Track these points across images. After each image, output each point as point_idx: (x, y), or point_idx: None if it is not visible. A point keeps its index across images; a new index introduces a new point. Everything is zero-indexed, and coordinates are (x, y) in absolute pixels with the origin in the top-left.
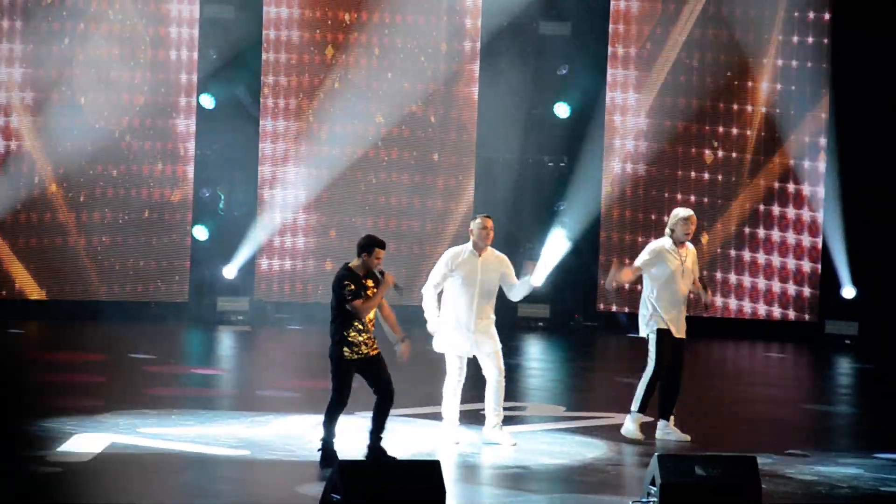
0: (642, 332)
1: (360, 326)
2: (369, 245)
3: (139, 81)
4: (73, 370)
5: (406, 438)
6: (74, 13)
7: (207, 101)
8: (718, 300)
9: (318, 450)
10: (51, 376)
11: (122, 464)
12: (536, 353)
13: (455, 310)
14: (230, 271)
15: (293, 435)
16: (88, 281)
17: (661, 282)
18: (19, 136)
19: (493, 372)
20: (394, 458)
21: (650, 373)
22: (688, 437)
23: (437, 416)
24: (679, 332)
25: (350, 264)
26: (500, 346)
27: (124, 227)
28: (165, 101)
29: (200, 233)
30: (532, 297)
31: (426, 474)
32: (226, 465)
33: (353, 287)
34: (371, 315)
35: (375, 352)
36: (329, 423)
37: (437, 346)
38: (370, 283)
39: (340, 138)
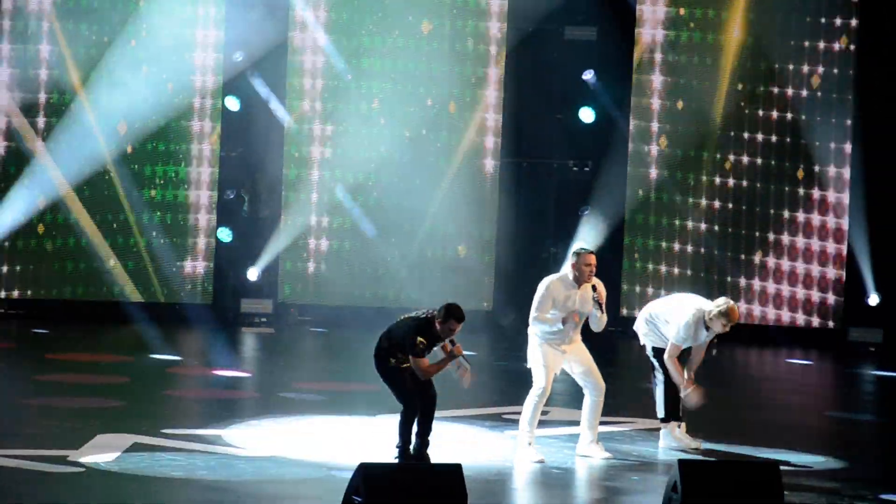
0: (642, 341)
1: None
2: (447, 317)
3: (164, 83)
4: (97, 371)
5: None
6: (101, 16)
7: (233, 104)
8: (743, 306)
9: (396, 457)
10: (75, 377)
11: (144, 465)
12: None
13: (549, 331)
14: (254, 273)
15: (315, 437)
16: (113, 282)
17: (678, 345)
18: (39, 137)
19: (592, 390)
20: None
21: (662, 381)
22: (696, 445)
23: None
24: None
25: (432, 319)
26: (592, 361)
27: (148, 228)
28: (191, 102)
29: (224, 235)
30: None
31: (448, 478)
32: (248, 467)
33: (423, 345)
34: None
35: None
36: (404, 428)
37: (531, 361)
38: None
39: (365, 141)
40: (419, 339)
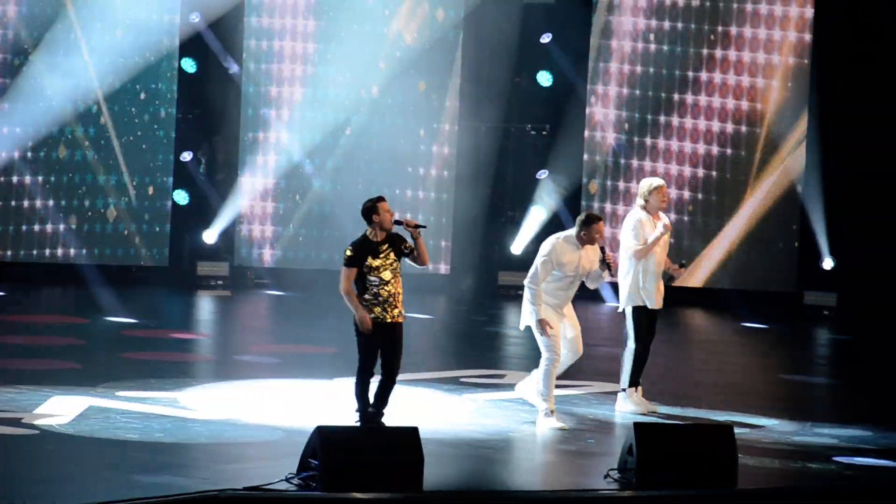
0: (621, 307)
1: (375, 287)
2: (371, 208)
3: (121, 44)
4: (52, 333)
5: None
6: None
7: (189, 65)
8: (702, 271)
9: (357, 421)
10: (30, 339)
11: (99, 427)
12: (516, 322)
13: (550, 296)
14: (210, 236)
15: (271, 400)
16: (69, 244)
17: (637, 248)
18: None
19: (572, 355)
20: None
21: (631, 349)
22: (653, 409)
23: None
24: (657, 303)
25: (367, 233)
26: (579, 328)
27: (105, 190)
28: (147, 64)
29: (181, 197)
30: (512, 265)
31: (405, 441)
32: (203, 430)
33: (349, 254)
34: (389, 277)
35: (394, 320)
36: (360, 392)
37: (531, 326)
38: (385, 247)
39: (322, 104)
40: (346, 249)
